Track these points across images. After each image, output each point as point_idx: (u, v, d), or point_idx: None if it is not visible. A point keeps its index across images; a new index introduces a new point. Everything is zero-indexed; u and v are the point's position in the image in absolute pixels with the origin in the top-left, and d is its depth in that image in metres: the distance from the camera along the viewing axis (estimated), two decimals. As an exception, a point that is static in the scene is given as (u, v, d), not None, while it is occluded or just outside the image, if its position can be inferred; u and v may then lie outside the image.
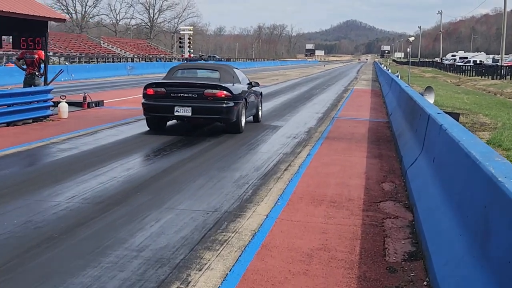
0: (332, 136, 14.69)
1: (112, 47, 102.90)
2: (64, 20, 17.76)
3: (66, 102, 19.44)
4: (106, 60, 79.41)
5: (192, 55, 43.18)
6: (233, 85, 14.80)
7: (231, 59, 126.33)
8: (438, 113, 9.57)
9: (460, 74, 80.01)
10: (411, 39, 55.98)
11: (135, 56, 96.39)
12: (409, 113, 13.61)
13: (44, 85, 17.10)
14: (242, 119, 14.91)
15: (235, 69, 16.39)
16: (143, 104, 14.51)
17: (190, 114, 14.01)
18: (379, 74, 56.58)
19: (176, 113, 14.04)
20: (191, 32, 35.95)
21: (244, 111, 15.08)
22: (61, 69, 19.29)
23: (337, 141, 13.80)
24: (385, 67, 71.20)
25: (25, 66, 17.49)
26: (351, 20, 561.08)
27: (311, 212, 7.54)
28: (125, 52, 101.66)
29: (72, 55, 77.08)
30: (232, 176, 9.55)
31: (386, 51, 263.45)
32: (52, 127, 14.90)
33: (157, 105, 14.18)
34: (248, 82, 16.70)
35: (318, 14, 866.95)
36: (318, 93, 32.61)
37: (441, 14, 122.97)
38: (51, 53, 75.14)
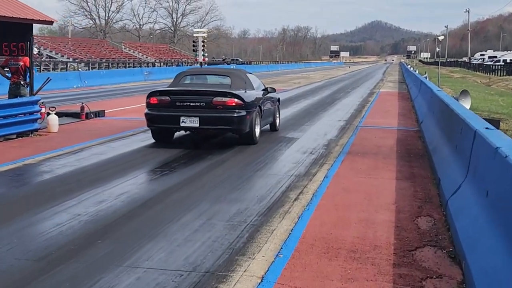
0: (355, 150, 12.69)
1: (133, 52, 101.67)
2: (51, 23, 15.95)
3: (62, 113, 17.75)
4: (127, 65, 78.14)
5: (206, 59, 41.34)
6: (245, 92, 13.22)
7: (253, 62, 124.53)
8: (487, 128, 7.55)
9: (490, 74, 77.43)
10: (441, 38, 53.67)
11: (157, 60, 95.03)
12: (445, 123, 11.58)
13: (30, 95, 15.23)
14: (256, 129, 13.34)
15: (248, 74, 14.68)
16: (146, 114, 12.99)
17: (197, 125, 12.51)
18: (406, 75, 54.35)
19: (182, 124, 12.59)
20: (205, 35, 34.14)
21: (258, 120, 13.51)
22: (49, 77, 17.45)
23: (360, 157, 11.80)
24: (411, 68, 68.85)
25: (9, 75, 15.64)
26: (376, 20, 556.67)
27: (323, 269, 5.57)
28: (146, 57, 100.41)
29: (92, 61, 75.79)
30: (227, 211, 7.61)
31: (413, 52, 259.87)
32: (33, 144, 13.09)
33: (161, 115, 12.76)
34: (263, 88, 15.11)
35: (343, 15, 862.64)
36: (341, 97, 30.56)
37: (468, 12, 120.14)
38: (70, 59, 74.26)
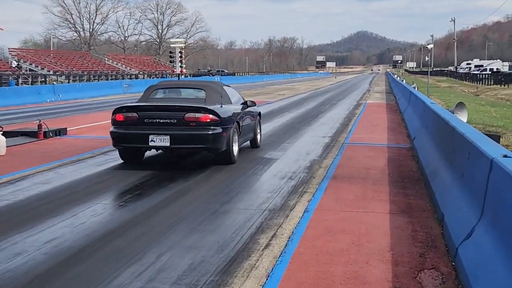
0: (341, 174, 11.07)
1: (116, 64, 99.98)
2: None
3: (18, 132, 16.04)
4: (110, 78, 76.42)
5: (184, 70, 39.66)
6: (221, 106, 11.97)
7: (238, 73, 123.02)
8: (506, 156, 5.95)
9: (476, 83, 76.37)
10: (429, 46, 52.19)
11: (140, 72, 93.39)
12: (443, 142, 10.00)
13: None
14: (234, 147, 12.13)
15: (225, 87, 13.40)
16: (111, 133, 11.71)
17: (168, 144, 11.33)
18: (393, 85, 53.04)
19: (151, 143, 11.42)
20: (182, 45, 32.46)
21: (236, 137, 12.27)
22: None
23: (347, 183, 10.18)
24: (398, 78, 67.59)
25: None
26: (362, 31, 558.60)
27: None
28: (130, 69, 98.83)
29: (73, 73, 74.00)
30: (177, 267, 5.94)
31: (399, 61, 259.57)
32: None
33: (127, 134, 11.50)
34: (242, 101, 13.80)
35: (329, 26, 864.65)
36: (326, 109, 28.98)
37: (454, 21, 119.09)
38: (51, 72, 72.38)
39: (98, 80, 69.81)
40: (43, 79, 61.86)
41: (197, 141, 11.39)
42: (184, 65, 37.26)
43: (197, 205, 8.59)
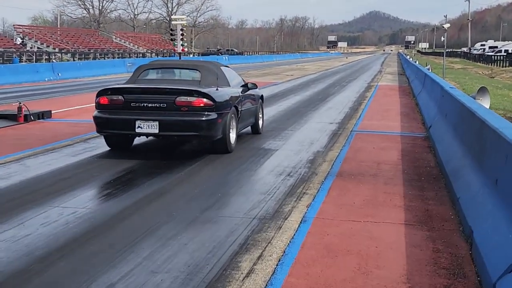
0: (348, 170, 9.60)
1: (124, 42, 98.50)
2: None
3: (-3, 114, 14.66)
4: (117, 56, 75.04)
5: (185, 49, 38.08)
6: (217, 89, 10.68)
7: (247, 53, 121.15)
8: None
9: (491, 64, 74.33)
10: (446, 26, 50.13)
11: (148, 51, 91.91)
12: (469, 136, 8.54)
13: None
14: (231, 135, 10.98)
15: (223, 68, 12.13)
16: (94, 118, 10.51)
17: (157, 130, 10.17)
18: (406, 66, 51.32)
19: (138, 130, 10.22)
20: (183, 22, 30.89)
21: (234, 123, 11.07)
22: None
23: (354, 182, 8.72)
24: (411, 59, 65.76)
25: None
26: (374, 11, 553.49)
27: None
28: (138, 47, 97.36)
29: (80, 51, 72.66)
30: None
31: (411, 42, 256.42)
32: None
33: (112, 119, 10.29)
34: (242, 84, 12.52)
35: (341, 6, 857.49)
36: (336, 92, 27.43)
37: (469, 1, 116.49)
38: (57, 50, 71.01)
39: (104, 58, 68.46)
40: (48, 57, 60.57)
41: (189, 128, 10.16)
42: (185, 44, 35.68)
43: (173, 211, 7.15)
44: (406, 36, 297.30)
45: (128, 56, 77.40)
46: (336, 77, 41.70)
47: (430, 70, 31.02)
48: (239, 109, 11.61)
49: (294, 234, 6.28)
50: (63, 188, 8.15)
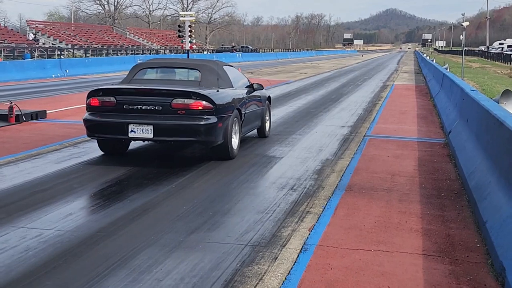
0: (359, 183, 8.59)
1: (138, 38, 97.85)
2: None
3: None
4: (129, 53, 74.28)
5: (194, 46, 37.10)
6: (218, 91, 9.80)
7: (261, 50, 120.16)
8: None
9: (510, 63, 72.87)
10: (465, 24, 48.79)
11: (162, 47, 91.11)
12: (495, 149, 7.51)
13: None
14: (233, 140, 10.19)
15: (226, 67, 11.20)
16: (84, 121, 9.67)
17: (151, 135, 9.33)
18: (422, 65, 50.11)
19: (131, 135, 9.38)
20: (192, 19, 29.91)
21: (236, 127, 10.21)
22: None
23: (365, 199, 7.71)
24: (428, 57, 64.49)
25: None
26: (391, 8, 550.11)
27: None
28: (151, 44, 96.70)
29: (93, 48, 71.93)
30: None
31: (428, 40, 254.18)
32: None
33: (103, 122, 9.47)
34: (247, 84, 11.70)
35: (357, 3, 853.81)
36: (349, 91, 26.36)
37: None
38: (69, 46, 70.34)
39: (117, 55, 67.67)
40: (60, 53, 59.87)
41: (186, 132, 9.30)
42: (194, 40, 34.71)
43: (154, 233, 6.18)
44: (423, 34, 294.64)
45: (141, 52, 76.66)
46: (351, 76, 40.61)
47: (448, 70, 29.90)
48: (243, 112, 10.73)
49: (291, 268, 5.29)
50: (34, 204, 7.21)
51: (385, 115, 17.19)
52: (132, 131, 9.33)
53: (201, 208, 7.15)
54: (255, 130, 12.47)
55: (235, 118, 10.23)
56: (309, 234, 6.26)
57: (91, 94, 9.78)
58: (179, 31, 32.47)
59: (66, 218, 6.67)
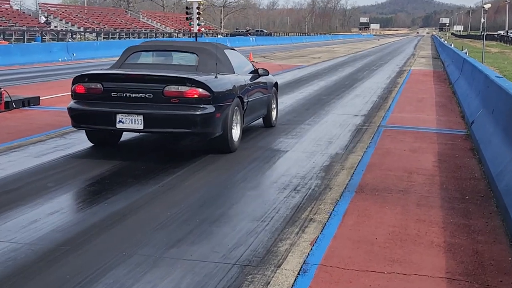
0: (371, 183, 7.58)
1: (151, 22, 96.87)
2: None
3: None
4: (143, 36, 73.31)
5: (202, 29, 36.04)
6: (216, 77, 8.81)
7: (276, 34, 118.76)
8: None
9: (530, 48, 71.22)
10: (487, 6, 47.42)
11: (175, 31, 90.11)
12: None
13: None
14: (234, 131, 9.27)
15: (227, 51, 10.22)
16: (68, 109, 8.74)
17: (141, 126, 8.44)
18: (440, 50, 48.80)
19: (119, 125, 8.47)
20: (200, 0, 28.90)
21: (237, 117, 9.33)
22: None
23: (378, 203, 6.71)
24: (445, 41, 63.02)
25: None
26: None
27: None
28: (165, 27, 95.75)
29: (105, 31, 71.01)
30: None
31: (446, 24, 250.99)
32: None
33: (89, 111, 8.57)
34: (252, 69, 10.69)
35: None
36: (364, 77, 25.25)
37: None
38: (82, 29, 69.51)
39: (130, 38, 66.72)
40: (71, 36, 59.04)
41: (180, 123, 8.36)
42: (202, 23, 33.66)
43: (127, 248, 5.23)
44: (440, 19, 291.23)
45: (154, 36, 75.73)
46: (366, 61, 39.42)
47: (467, 54, 28.68)
48: (245, 100, 9.78)
49: (283, 298, 4.31)
50: (-3, 207, 6.27)
51: (401, 103, 16.12)
52: (120, 121, 8.43)
53: (188, 214, 6.18)
54: (261, 119, 11.51)
55: (236, 107, 9.29)
56: (311, 249, 5.28)
57: (76, 80, 8.86)
58: (186, 13, 31.36)
59: (28, 227, 5.73)
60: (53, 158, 8.62)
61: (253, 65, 11.20)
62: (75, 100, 8.84)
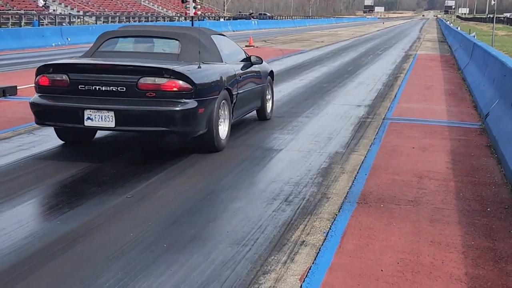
0: (376, 191, 6.50)
1: (153, 5, 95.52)
2: None
3: None
4: (144, 20, 72.07)
5: (198, 12, 34.81)
6: (199, 67, 7.90)
7: (278, 17, 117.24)
8: None
9: (537, 31, 69.85)
10: (495, -13, 45.90)
11: (177, 14, 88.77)
12: None
13: None
14: (220, 128, 8.19)
15: (215, 37, 9.14)
16: (31, 105, 7.66)
17: (112, 124, 7.34)
18: (446, 33, 47.50)
19: (87, 123, 7.39)
20: (196, -18, 27.73)
21: (225, 112, 8.40)
22: None
23: (384, 219, 5.64)
24: (451, 24, 61.67)
25: None
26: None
27: None
28: (166, 11, 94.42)
29: (105, 15, 69.75)
30: None
31: (452, 7, 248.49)
32: None
33: (53, 107, 7.50)
34: (243, 57, 9.60)
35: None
36: (368, 62, 24.09)
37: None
38: (80, 12, 68.28)
39: (130, 22, 65.48)
40: (69, 20, 57.85)
41: (157, 121, 7.31)
42: (199, 6, 32.46)
43: (71, 285, 4.15)
44: (446, 1, 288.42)
45: (155, 20, 74.43)
46: (371, 44, 38.19)
47: (475, 38, 27.47)
48: (234, 93, 8.70)
49: None
50: None
51: (408, 91, 14.99)
52: (88, 118, 7.37)
53: (154, 236, 5.12)
54: (255, 112, 10.45)
55: (223, 101, 8.22)
56: (300, 287, 4.19)
57: (40, 71, 7.78)
58: (182, -5, 30.18)
59: (-45, 255, 4.66)
60: (12, 161, 7.56)
61: (245, 52, 10.09)
62: (39, 94, 7.77)
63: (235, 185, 6.69)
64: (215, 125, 7.92)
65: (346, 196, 6.33)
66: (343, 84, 16.41)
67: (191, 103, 7.39)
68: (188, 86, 7.37)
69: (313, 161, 7.82)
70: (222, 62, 8.75)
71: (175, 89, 7.32)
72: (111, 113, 7.28)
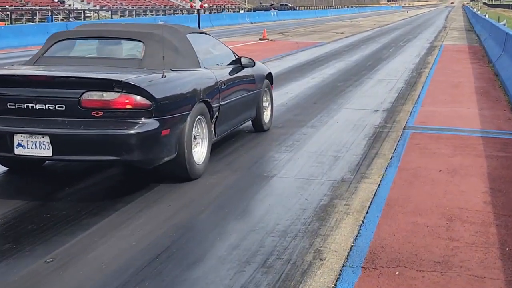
0: (389, 246, 4.77)
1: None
2: None
3: None
4: (162, 13, 70.53)
5: (205, 5, 33.06)
6: (163, 76, 6.13)
7: (297, 8, 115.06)
8: None
9: None
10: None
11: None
12: None
13: None
14: (195, 151, 6.51)
15: (191, 35, 7.42)
16: None
17: (49, 152, 5.67)
18: (474, 21, 45.27)
19: (17, 151, 5.73)
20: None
21: (203, 129, 6.70)
22: None
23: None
24: (478, 12, 59.34)
25: None
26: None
27: None
28: (185, 3, 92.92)
29: (122, 9, 68.36)
30: None
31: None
32: None
33: None
34: (232, 60, 7.94)
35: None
36: (390, 56, 22.19)
37: None
38: (97, 7, 66.98)
39: (146, 16, 64.02)
40: (88, 15, 56.56)
41: (106, 148, 5.64)
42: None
43: None
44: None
45: (173, 13, 72.81)
46: (393, 35, 36.18)
47: (505, 26, 25.49)
48: (215, 105, 7.01)
49: None
50: None
51: (433, 91, 13.15)
52: (19, 145, 5.70)
53: None
54: (250, 123, 8.77)
55: (199, 117, 6.52)
56: None
57: None
58: (187, -13, 28.44)
59: None
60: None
61: (234, 53, 8.34)
62: None
63: (199, 240, 4.97)
64: (188, 148, 6.22)
65: (348, 254, 4.60)
66: (359, 82, 14.60)
67: (151, 124, 5.70)
68: (147, 102, 5.68)
69: (311, 194, 6.08)
70: (200, 67, 7.04)
71: (129, 106, 5.63)
72: (47, 139, 5.59)
